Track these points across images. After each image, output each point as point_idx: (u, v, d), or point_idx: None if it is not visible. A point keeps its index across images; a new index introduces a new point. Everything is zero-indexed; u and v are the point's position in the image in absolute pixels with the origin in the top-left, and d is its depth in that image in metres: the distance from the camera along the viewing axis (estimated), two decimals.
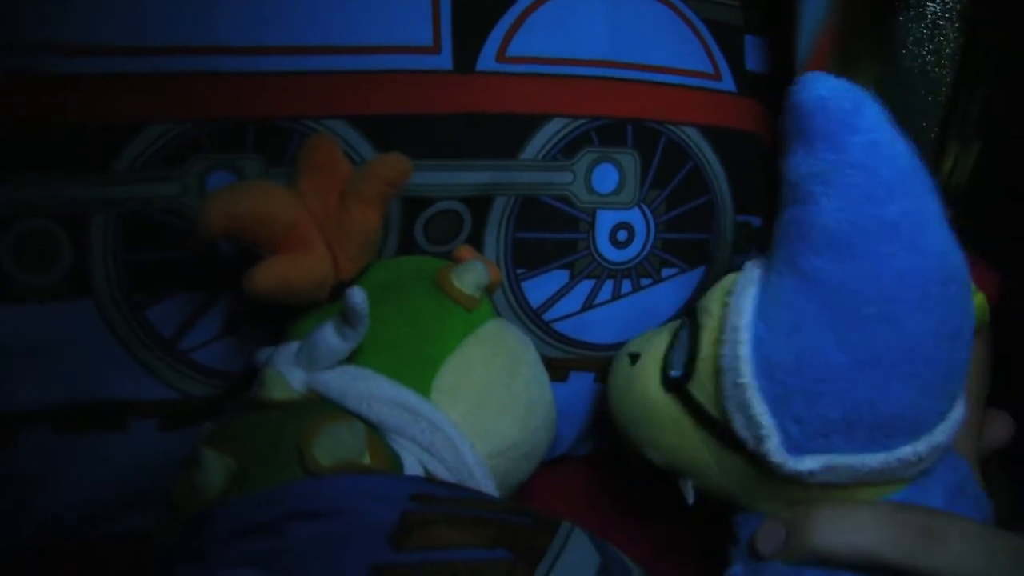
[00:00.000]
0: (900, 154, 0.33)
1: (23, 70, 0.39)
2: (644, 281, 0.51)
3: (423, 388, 0.38)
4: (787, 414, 0.35)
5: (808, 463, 0.35)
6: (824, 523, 0.36)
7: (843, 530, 0.36)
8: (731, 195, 0.51)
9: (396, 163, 0.39)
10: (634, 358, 0.44)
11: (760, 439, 0.36)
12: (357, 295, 0.35)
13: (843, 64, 0.49)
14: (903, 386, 0.34)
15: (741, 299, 0.37)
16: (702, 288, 0.52)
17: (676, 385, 0.40)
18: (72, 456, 0.43)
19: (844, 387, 0.34)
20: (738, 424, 0.37)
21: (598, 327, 0.51)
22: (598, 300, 0.50)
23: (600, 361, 0.51)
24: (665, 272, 0.51)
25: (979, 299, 0.42)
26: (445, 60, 0.45)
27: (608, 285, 0.50)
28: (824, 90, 0.33)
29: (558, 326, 0.50)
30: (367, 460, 0.35)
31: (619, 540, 0.38)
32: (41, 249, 0.40)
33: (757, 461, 0.37)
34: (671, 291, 0.51)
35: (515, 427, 0.41)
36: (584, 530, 0.36)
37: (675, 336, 0.42)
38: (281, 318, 0.43)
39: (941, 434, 0.36)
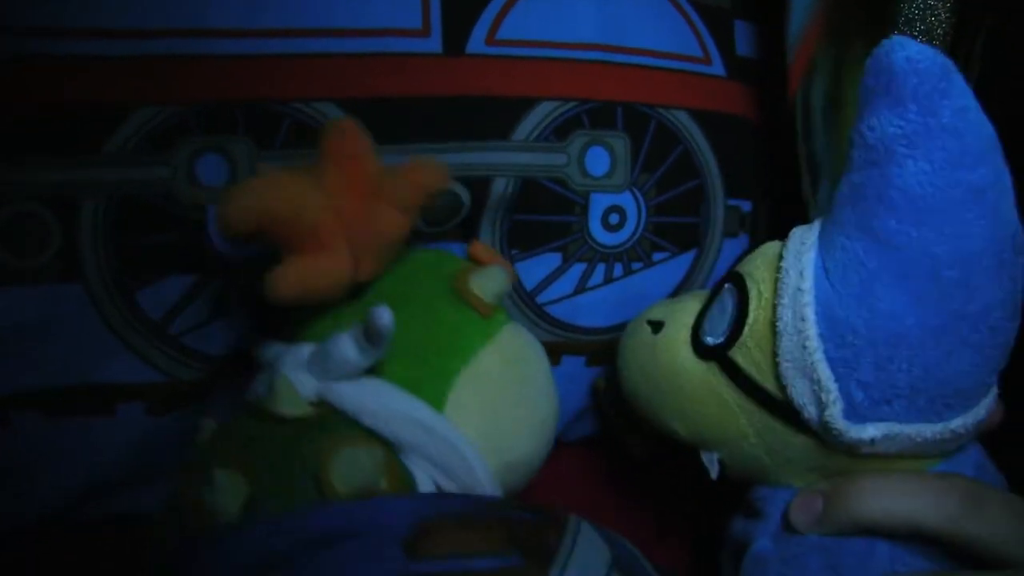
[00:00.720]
0: (985, 123, 0.33)
1: (12, 54, 0.39)
2: (635, 265, 0.50)
3: (438, 401, 0.38)
4: (853, 379, 0.35)
5: (870, 431, 0.35)
6: (866, 492, 0.36)
7: (885, 498, 0.35)
8: (721, 179, 0.52)
9: (434, 170, 0.40)
10: (656, 326, 0.42)
11: (823, 405, 0.35)
12: (384, 315, 0.34)
13: (835, 45, 0.50)
14: (969, 356, 0.34)
15: (800, 262, 0.36)
16: (693, 272, 0.52)
17: (715, 352, 0.39)
18: (61, 439, 0.43)
19: (915, 352, 0.34)
20: (796, 390, 0.36)
21: (590, 311, 0.50)
22: (590, 284, 0.50)
23: (591, 344, 0.51)
24: (656, 256, 0.51)
25: None
26: (435, 43, 0.45)
27: (600, 269, 0.50)
28: (915, 52, 0.32)
29: (551, 309, 0.50)
30: (384, 485, 0.34)
31: (615, 523, 0.38)
32: (30, 232, 0.40)
33: (805, 431, 0.37)
34: (662, 275, 0.51)
35: (527, 442, 0.41)
36: (590, 523, 0.35)
37: (709, 303, 0.41)
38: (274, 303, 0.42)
39: (984, 408, 0.36)
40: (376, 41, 0.44)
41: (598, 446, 0.53)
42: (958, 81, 0.33)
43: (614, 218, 0.49)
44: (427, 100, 0.45)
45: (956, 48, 0.48)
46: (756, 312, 0.38)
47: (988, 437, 0.46)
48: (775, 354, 0.36)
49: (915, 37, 0.48)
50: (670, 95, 0.50)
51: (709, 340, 0.39)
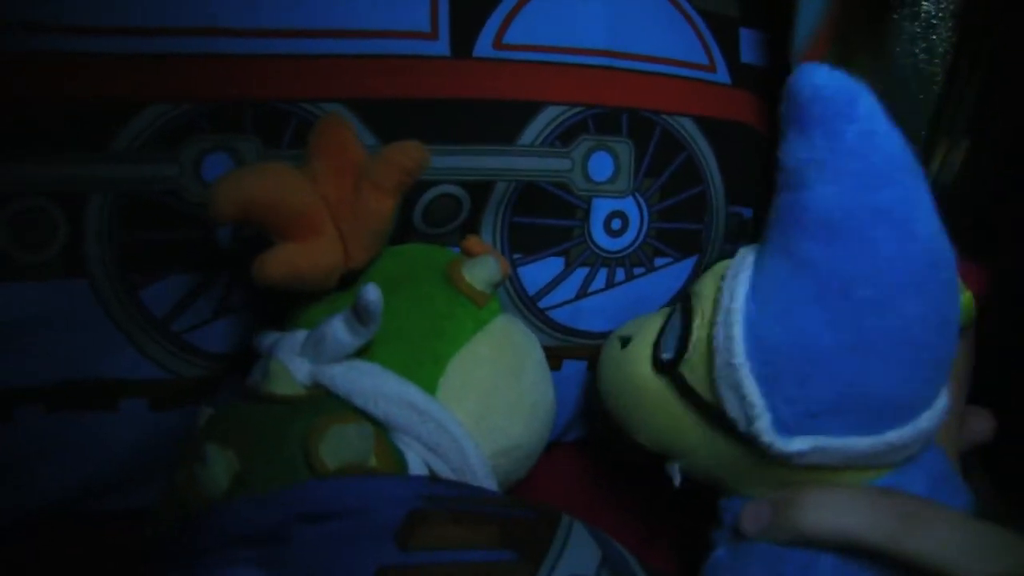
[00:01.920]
0: (893, 143, 0.34)
1: (23, 49, 0.39)
2: (637, 270, 0.51)
3: (430, 385, 0.38)
4: (778, 394, 0.36)
5: (798, 444, 0.36)
6: (810, 504, 0.37)
7: (828, 511, 0.36)
8: (724, 186, 0.52)
9: (413, 151, 0.39)
10: (625, 341, 0.44)
11: (751, 419, 0.36)
12: (372, 292, 0.34)
13: (839, 59, 0.50)
14: (892, 370, 0.35)
15: (735, 282, 0.38)
16: (694, 278, 0.52)
17: (667, 367, 0.41)
18: (64, 434, 0.43)
19: (834, 369, 0.35)
20: (729, 405, 0.37)
21: (592, 315, 0.51)
22: (592, 288, 0.50)
23: (593, 349, 0.51)
24: (658, 261, 0.51)
25: (966, 297, 0.43)
26: (443, 46, 0.45)
27: (602, 273, 0.50)
28: (821, 79, 0.34)
29: (553, 314, 0.50)
30: (373, 462, 0.35)
31: (608, 525, 0.39)
32: (36, 227, 0.40)
33: (746, 443, 0.38)
34: (664, 280, 0.52)
35: (520, 427, 0.41)
36: (582, 523, 0.36)
37: (667, 320, 0.42)
38: (277, 300, 0.43)
39: (927, 420, 0.37)
40: (384, 43, 0.44)
41: (595, 447, 0.55)
42: (864, 104, 0.34)
43: (616, 223, 0.49)
44: (433, 103, 0.45)
45: (957, 64, 0.48)
46: (699, 330, 0.39)
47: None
48: (712, 370, 0.38)
49: (917, 54, 0.48)
50: (675, 102, 0.50)
51: (664, 356, 0.41)
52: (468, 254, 0.44)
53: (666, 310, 0.44)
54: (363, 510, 0.31)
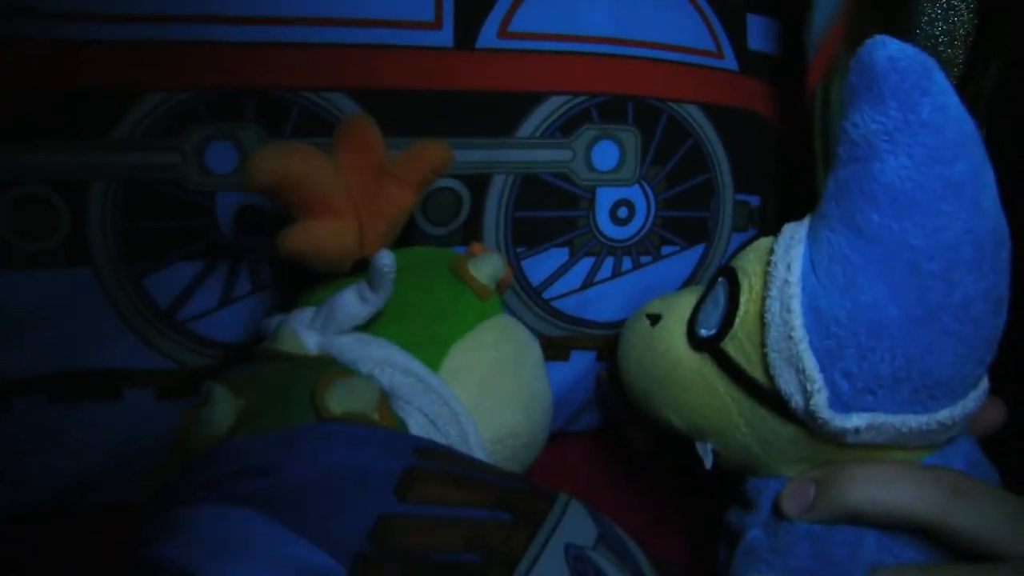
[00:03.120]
0: (965, 118, 0.34)
1: (25, 36, 0.39)
2: (644, 259, 0.51)
3: (433, 365, 0.39)
4: (837, 368, 0.35)
5: (855, 420, 0.35)
6: (856, 480, 0.36)
7: (876, 486, 0.36)
8: (731, 174, 0.52)
9: (441, 149, 0.41)
10: (654, 319, 0.43)
11: (808, 394, 0.36)
12: (386, 256, 0.35)
13: (856, 45, 0.50)
14: (952, 347, 0.35)
15: (789, 255, 0.37)
16: (701, 266, 0.52)
17: (708, 344, 0.40)
18: (67, 424, 0.43)
19: (897, 343, 0.34)
20: (783, 380, 0.36)
21: (598, 304, 0.51)
22: (598, 277, 0.50)
23: (601, 339, 0.51)
24: (665, 250, 0.51)
25: None
26: (446, 36, 0.45)
27: (608, 262, 0.50)
28: (896, 51, 0.33)
29: (558, 304, 0.50)
30: (376, 417, 0.34)
31: (613, 511, 0.38)
32: (38, 216, 0.40)
33: (794, 420, 0.37)
34: (671, 269, 0.52)
35: (518, 414, 0.41)
36: (581, 502, 0.36)
37: (704, 296, 0.42)
38: (283, 290, 0.44)
39: (973, 401, 0.37)
40: (387, 32, 0.44)
41: (601, 436, 0.54)
42: (938, 78, 0.33)
43: (623, 212, 0.49)
44: (434, 94, 0.45)
45: (978, 47, 0.49)
46: (747, 304, 0.39)
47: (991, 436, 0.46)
48: (763, 345, 0.37)
49: (937, 37, 0.49)
50: (682, 89, 0.50)
51: (703, 332, 0.40)
52: (472, 256, 0.44)
53: (696, 288, 0.44)
54: (361, 457, 0.31)
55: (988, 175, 0.34)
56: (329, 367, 0.36)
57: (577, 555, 0.32)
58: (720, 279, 0.41)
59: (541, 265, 0.49)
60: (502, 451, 0.40)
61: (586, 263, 0.50)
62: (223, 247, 0.43)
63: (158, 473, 0.34)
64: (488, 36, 0.46)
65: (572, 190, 0.48)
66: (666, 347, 0.42)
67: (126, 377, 0.43)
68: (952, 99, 0.34)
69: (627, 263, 0.50)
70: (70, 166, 0.40)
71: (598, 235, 0.49)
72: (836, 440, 0.36)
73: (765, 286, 0.38)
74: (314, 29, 0.43)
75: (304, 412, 0.33)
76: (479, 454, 0.38)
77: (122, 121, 0.41)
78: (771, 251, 0.38)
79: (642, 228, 0.50)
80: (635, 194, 0.50)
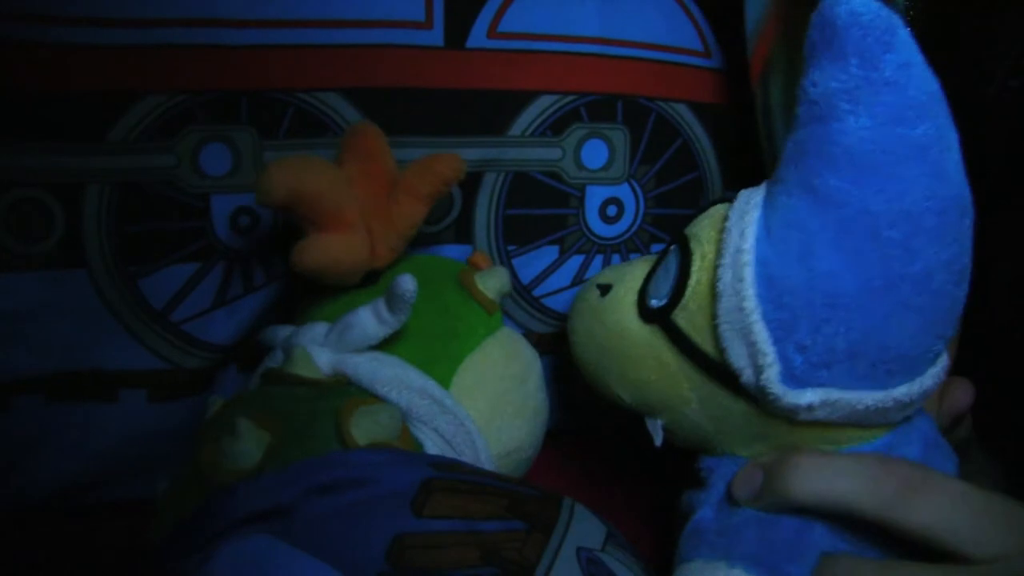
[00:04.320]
0: (928, 78, 0.32)
1: (21, 40, 0.39)
2: (633, 256, 0.51)
3: (444, 382, 0.39)
4: (791, 341, 0.33)
5: (808, 396, 0.34)
6: (803, 468, 0.34)
7: (822, 477, 0.33)
8: (720, 171, 0.52)
9: (454, 162, 0.41)
10: (604, 289, 0.42)
11: (759, 368, 0.34)
12: (408, 282, 0.36)
13: (789, 44, 0.49)
14: (911, 319, 0.33)
15: (743, 221, 0.35)
16: None
17: (658, 315, 0.38)
18: (64, 425, 0.44)
19: (853, 315, 0.33)
20: (734, 353, 0.35)
21: None
22: (588, 275, 0.51)
23: None
24: (654, 248, 0.52)
25: None
26: (437, 36, 0.45)
27: (598, 260, 0.51)
28: (858, 5, 0.31)
29: (548, 301, 0.51)
30: (398, 444, 0.35)
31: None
32: (34, 218, 0.41)
33: (745, 396, 0.36)
34: None
35: (524, 429, 0.42)
36: (582, 504, 0.36)
37: (656, 265, 0.40)
38: (276, 291, 0.45)
39: (931, 378, 0.35)
40: (379, 32, 0.44)
41: (584, 432, 0.55)
42: (902, 35, 0.32)
43: (612, 210, 0.50)
44: (426, 93, 0.45)
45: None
46: (698, 273, 0.37)
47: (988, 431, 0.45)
48: (715, 316, 0.35)
49: None
50: (670, 88, 0.50)
51: (653, 303, 0.38)
52: (475, 267, 0.45)
53: (650, 257, 0.42)
54: (379, 478, 0.31)
55: (952, 139, 0.33)
56: (349, 394, 0.36)
57: (589, 557, 0.32)
58: (672, 247, 0.39)
59: (531, 263, 0.50)
60: (507, 465, 0.41)
61: (576, 261, 0.50)
62: (217, 249, 0.44)
63: (174, 506, 0.34)
64: (478, 36, 0.46)
65: (562, 188, 0.49)
66: (616, 319, 0.40)
67: (122, 378, 0.44)
68: (916, 57, 0.32)
69: (616, 261, 0.51)
70: (65, 169, 0.41)
71: (588, 233, 0.50)
72: (788, 417, 0.35)
73: (718, 254, 0.36)
74: (307, 31, 0.43)
75: (330, 443, 0.33)
76: (488, 469, 0.38)
77: (117, 124, 0.41)
78: (725, 217, 0.36)
79: (631, 226, 0.51)
80: (624, 192, 0.50)
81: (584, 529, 0.33)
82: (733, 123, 0.53)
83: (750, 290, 0.34)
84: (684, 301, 0.37)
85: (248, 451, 0.32)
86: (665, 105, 0.50)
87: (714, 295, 0.35)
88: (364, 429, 0.34)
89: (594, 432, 0.55)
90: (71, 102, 0.40)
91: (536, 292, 0.50)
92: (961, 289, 0.34)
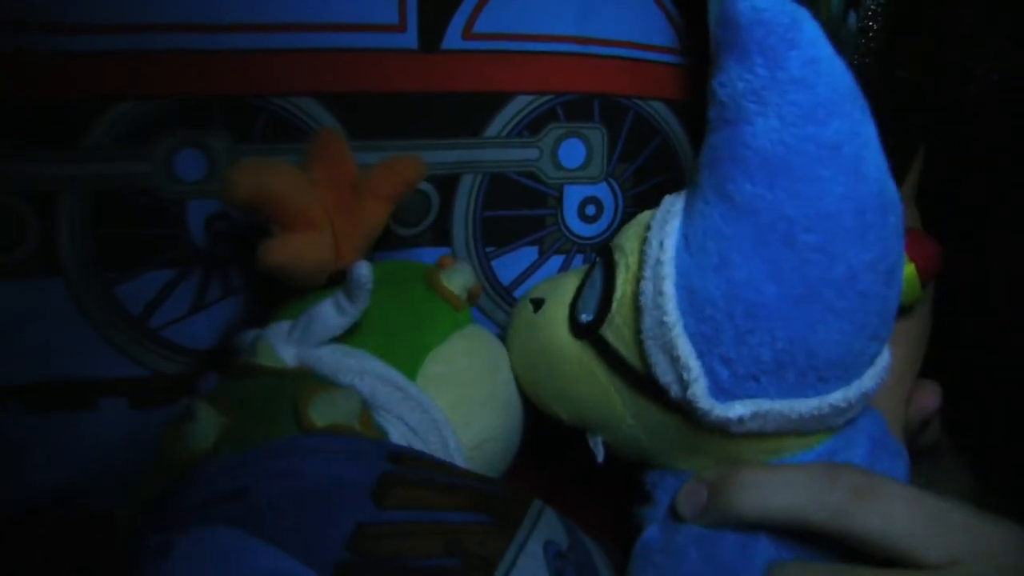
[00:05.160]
0: (839, 72, 0.31)
1: None
2: None
3: (410, 374, 0.39)
4: (715, 354, 0.32)
5: (737, 409, 0.32)
6: (746, 483, 0.33)
7: (765, 492, 0.33)
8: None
9: (416, 163, 0.42)
10: (537, 304, 0.41)
11: (685, 384, 0.33)
12: (363, 267, 0.36)
13: None
14: (838, 324, 0.32)
15: (663, 231, 0.34)
16: None
17: (587, 330, 0.37)
18: (44, 434, 0.44)
19: (777, 324, 0.31)
20: (660, 368, 0.33)
21: None
22: None
23: None
24: None
25: (908, 270, 0.40)
26: (411, 38, 0.45)
27: (578, 260, 0.50)
28: (760, 1, 0.30)
29: None
30: (358, 427, 0.35)
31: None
32: (8, 227, 0.40)
33: (677, 410, 0.34)
34: None
35: (494, 420, 0.41)
36: (552, 508, 0.35)
37: (585, 279, 0.39)
38: (254, 295, 0.45)
39: (870, 380, 0.34)
40: (353, 36, 0.44)
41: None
42: (808, 29, 0.30)
43: (591, 209, 0.49)
44: (402, 96, 0.45)
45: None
46: (623, 286, 0.35)
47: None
48: (639, 331, 0.34)
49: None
50: (647, 86, 0.50)
51: (583, 317, 0.37)
52: (442, 267, 0.44)
53: (582, 268, 0.41)
54: (338, 466, 0.31)
55: (869, 134, 0.31)
56: (309, 380, 0.36)
57: (558, 552, 0.32)
58: (597, 258, 0.38)
59: (511, 264, 0.49)
60: (480, 456, 0.40)
61: (556, 261, 0.50)
62: (194, 254, 0.44)
63: (142, 491, 0.34)
64: (453, 37, 0.46)
65: (540, 189, 0.48)
66: (548, 335, 0.39)
67: (102, 385, 0.44)
68: (824, 51, 0.30)
69: None
70: (38, 177, 0.40)
71: (567, 233, 0.49)
72: (720, 430, 0.33)
73: (640, 265, 0.34)
74: (279, 35, 0.43)
75: (287, 426, 0.33)
76: (459, 460, 0.38)
77: (90, 131, 0.41)
78: (648, 226, 0.35)
79: (611, 225, 0.50)
80: (603, 191, 0.50)
81: (551, 529, 0.33)
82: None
83: (671, 303, 0.33)
84: (611, 315, 0.36)
85: (204, 433, 0.32)
86: (643, 103, 0.50)
87: (637, 309, 0.34)
88: (322, 412, 0.33)
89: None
90: (43, 109, 0.40)
91: (517, 294, 0.49)
92: (892, 288, 0.33)
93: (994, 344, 0.49)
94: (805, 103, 0.30)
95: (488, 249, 0.48)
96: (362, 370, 0.37)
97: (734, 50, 0.31)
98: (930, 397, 0.42)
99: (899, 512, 0.31)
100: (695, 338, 0.32)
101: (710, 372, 0.32)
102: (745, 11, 0.30)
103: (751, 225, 0.31)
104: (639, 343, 0.34)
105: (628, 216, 0.48)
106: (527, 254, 0.49)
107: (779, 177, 0.30)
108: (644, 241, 0.35)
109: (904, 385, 0.42)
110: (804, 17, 0.30)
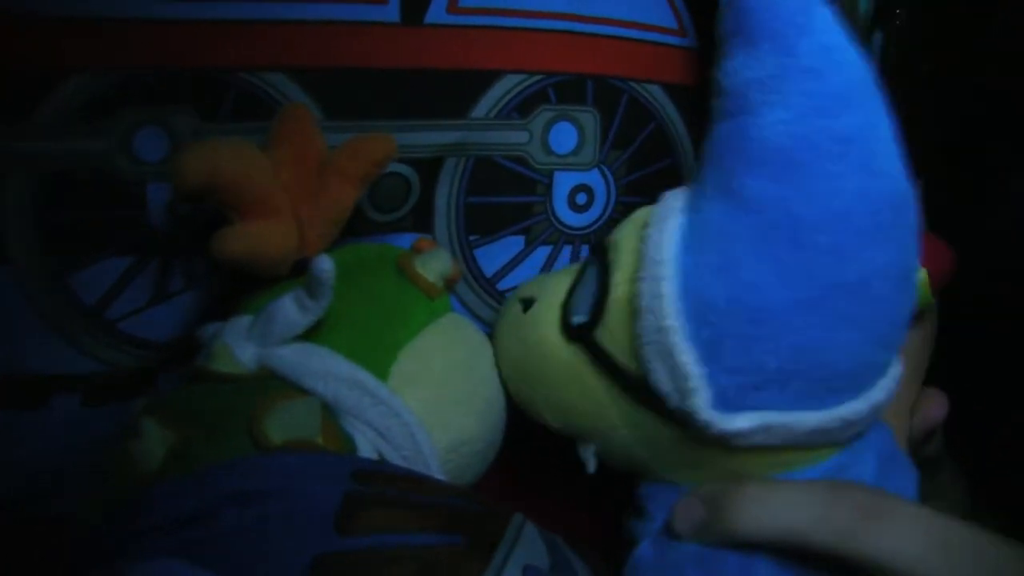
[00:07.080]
0: (853, 61, 0.29)
1: None
2: None
3: (381, 372, 0.37)
4: (718, 363, 0.30)
5: (740, 422, 0.30)
6: (749, 501, 0.31)
7: (770, 509, 0.30)
8: (696, 157, 0.49)
9: (384, 142, 0.39)
10: (527, 303, 0.39)
11: (685, 393, 0.30)
12: (324, 262, 0.33)
13: None
14: (848, 331, 0.30)
15: (662, 229, 0.32)
16: None
17: (580, 333, 0.35)
18: None
19: (783, 330, 0.29)
20: (658, 376, 0.31)
21: None
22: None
23: None
24: None
25: (921, 275, 0.38)
26: (392, 11, 0.42)
27: (566, 252, 0.48)
28: None
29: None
30: (320, 440, 0.33)
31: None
32: None
33: (675, 420, 0.32)
34: None
35: (472, 421, 0.39)
36: (534, 525, 0.33)
37: (579, 277, 0.36)
38: (219, 285, 0.43)
39: (881, 391, 0.32)
40: (329, 8, 0.41)
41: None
42: (821, 15, 0.28)
43: (581, 198, 0.47)
44: (381, 72, 0.42)
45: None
46: (619, 287, 0.33)
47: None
48: (636, 335, 0.32)
49: None
50: (643, 68, 0.48)
51: (575, 319, 0.35)
52: (418, 252, 0.42)
53: (576, 267, 0.39)
54: (299, 491, 0.29)
55: (883, 128, 0.29)
56: (268, 389, 0.34)
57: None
58: (592, 257, 0.36)
59: (495, 254, 0.47)
60: (456, 460, 0.38)
61: (543, 252, 0.48)
62: (154, 241, 0.41)
63: (91, 509, 0.32)
64: (437, 11, 0.43)
65: (528, 174, 0.46)
66: (537, 337, 0.37)
67: (52, 382, 0.41)
68: (837, 39, 0.29)
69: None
70: None
71: (555, 222, 0.47)
72: (722, 444, 0.31)
73: (638, 265, 0.32)
74: (250, 5, 0.40)
75: (241, 442, 0.31)
76: (434, 465, 0.36)
77: (44, 104, 0.38)
78: (646, 224, 0.33)
79: (602, 215, 0.48)
80: (594, 179, 0.48)
81: (530, 549, 0.31)
82: (710, 106, 0.50)
83: (670, 307, 0.31)
84: (605, 318, 0.34)
85: (151, 452, 0.31)
86: (638, 86, 0.47)
87: (634, 311, 0.32)
88: (279, 427, 0.31)
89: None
90: None
91: (500, 286, 0.47)
92: (905, 292, 0.31)
93: (993, 348, 0.47)
94: (816, 93, 0.28)
95: (471, 237, 0.46)
96: (327, 372, 0.35)
97: (740, 36, 0.29)
98: (937, 407, 0.40)
99: (910, 535, 0.29)
100: (695, 344, 0.30)
101: (711, 381, 0.30)
102: None
103: (756, 224, 0.29)
104: (635, 348, 0.32)
105: (620, 206, 0.48)
106: (513, 243, 0.47)
107: (787, 173, 0.29)
108: (642, 239, 0.33)
109: (909, 394, 0.40)
110: (817, 2, 0.28)
